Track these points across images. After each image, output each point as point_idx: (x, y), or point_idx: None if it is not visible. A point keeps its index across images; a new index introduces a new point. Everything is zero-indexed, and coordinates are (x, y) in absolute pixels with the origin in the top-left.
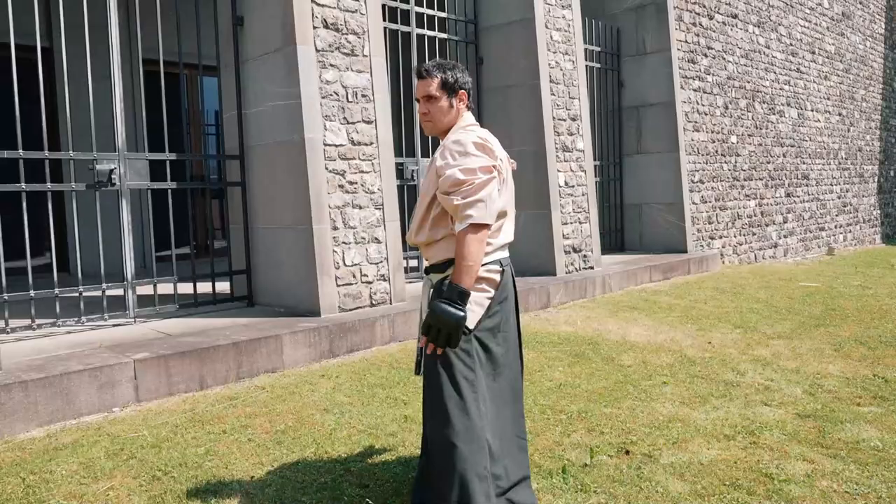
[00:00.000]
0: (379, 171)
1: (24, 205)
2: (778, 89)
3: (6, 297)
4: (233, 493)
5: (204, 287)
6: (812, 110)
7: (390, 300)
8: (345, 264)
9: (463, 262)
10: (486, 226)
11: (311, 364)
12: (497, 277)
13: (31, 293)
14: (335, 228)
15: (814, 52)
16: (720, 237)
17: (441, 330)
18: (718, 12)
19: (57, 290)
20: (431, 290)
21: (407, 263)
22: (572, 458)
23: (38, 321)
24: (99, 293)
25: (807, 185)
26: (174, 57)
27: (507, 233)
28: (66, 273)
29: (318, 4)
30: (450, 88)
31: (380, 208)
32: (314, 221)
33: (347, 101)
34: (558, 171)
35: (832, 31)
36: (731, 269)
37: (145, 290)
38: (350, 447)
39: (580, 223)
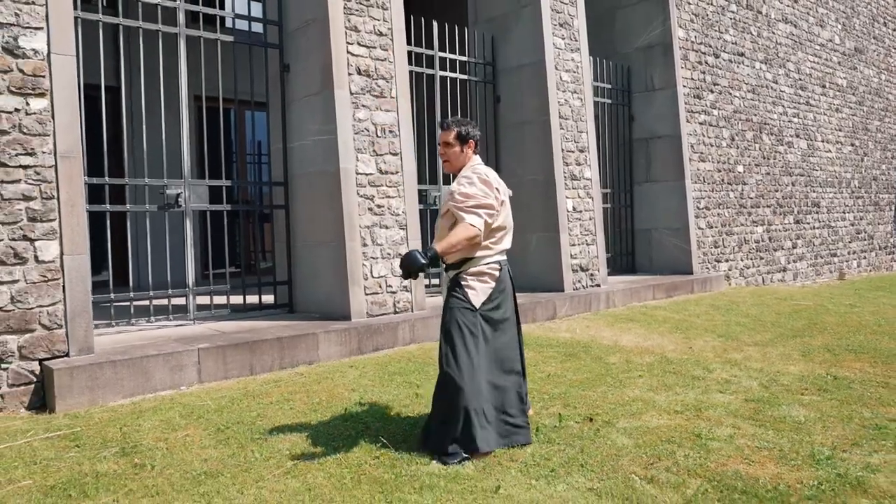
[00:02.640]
0: (403, 196)
1: (108, 223)
2: (786, 122)
3: (91, 299)
4: (279, 439)
5: (251, 298)
6: (823, 141)
7: (412, 308)
8: (372, 276)
9: (449, 240)
10: (476, 228)
11: (342, 359)
12: (497, 273)
13: (112, 295)
14: (364, 245)
15: (824, 86)
16: (726, 260)
17: (408, 267)
18: (724, 51)
19: (132, 294)
20: (449, 281)
21: (429, 281)
22: (546, 423)
23: (114, 321)
24: (165, 301)
25: (817, 213)
26: (228, 95)
27: (506, 242)
28: (126, 284)
29: (353, 55)
30: (462, 138)
31: (403, 228)
32: (347, 239)
33: (377, 136)
34: (567, 197)
35: (844, 65)
36: (735, 290)
37: (200, 299)
38: (371, 414)
39: (587, 245)
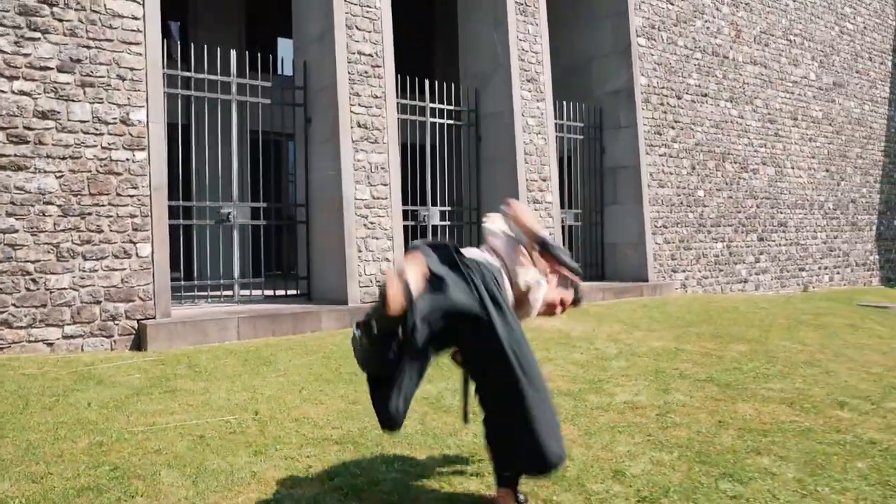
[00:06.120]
0: (391, 216)
1: (181, 232)
2: (752, 151)
3: (170, 284)
4: (280, 365)
5: (280, 291)
6: (793, 168)
7: None
8: (365, 274)
9: None
10: None
11: (338, 330)
12: None
13: (182, 283)
14: (360, 251)
15: (796, 119)
16: (683, 271)
17: None
18: (687, 93)
19: (196, 283)
20: None
21: None
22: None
23: (183, 300)
24: (217, 291)
25: (784, 232)
26: (268, 128)
27: None
28: (190, 277)
29: (355, 113)
30: None
31: (391, 239)
32: (347, 247)
33: (371, 171)
34: None
35: (820, 99)
36: (681, 296)
37: (243, 291)
38: (348, 358)
39: None
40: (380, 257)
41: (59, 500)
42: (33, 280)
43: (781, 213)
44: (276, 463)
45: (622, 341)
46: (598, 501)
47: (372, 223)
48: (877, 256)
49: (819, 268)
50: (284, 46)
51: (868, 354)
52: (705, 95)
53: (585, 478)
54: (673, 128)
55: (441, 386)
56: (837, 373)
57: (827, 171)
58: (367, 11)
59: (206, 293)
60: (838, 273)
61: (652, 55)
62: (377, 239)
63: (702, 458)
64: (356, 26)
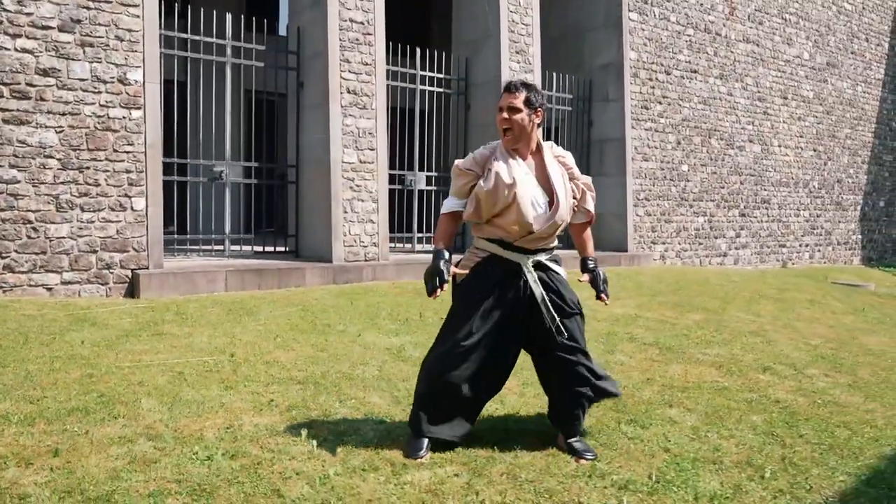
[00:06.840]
0: (376, 180)
1: (175, 189)
2: (739, 129)
3: (163, 237)
4: (263, 315)
5: (269, 248)
6: (780, 146)
7: (378, 258)
8: (350, 234)
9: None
10: None
11: (321, 286)
12: None
13: (176, 236)
14: (345, 212)
15: (786, 98)
16: (663, 243)
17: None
18: (677, 69)
19: (189, 237)
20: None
21: (396, 245)
22: (415, 317)
23: (176, 253)
24: (209, 245)
25: (767, 209)
26: (266, 89)
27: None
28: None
29: (344, 79)
30: (531, 104)
31: (375, 202)
32: (333, 208)
33: (359, 136)
34: None
35: (812, 78)
36: (658, 266)
37: (234, 247)
38: (325, 311)
39: None
40: (364, 219)
41: (53, 418)
42: (34, 228)
43: (765, 189)
44: (244, 397)
45: (586, 307)
46: (514, 434)
47: (358, 186)
48: (859, 236)
49: (800, 245)
50: (284, 4)
51: (815, 327)
52: (695, 72)
53: (511, 419)
54: (660, 103)
55: (405, 339)
56: (777, 342)
57: (814, 150)
58: None
59: (198, 247)
60: (819, 251)
61: (643, 30)
62: (363, 201)
63: (618, 408)
64: None
